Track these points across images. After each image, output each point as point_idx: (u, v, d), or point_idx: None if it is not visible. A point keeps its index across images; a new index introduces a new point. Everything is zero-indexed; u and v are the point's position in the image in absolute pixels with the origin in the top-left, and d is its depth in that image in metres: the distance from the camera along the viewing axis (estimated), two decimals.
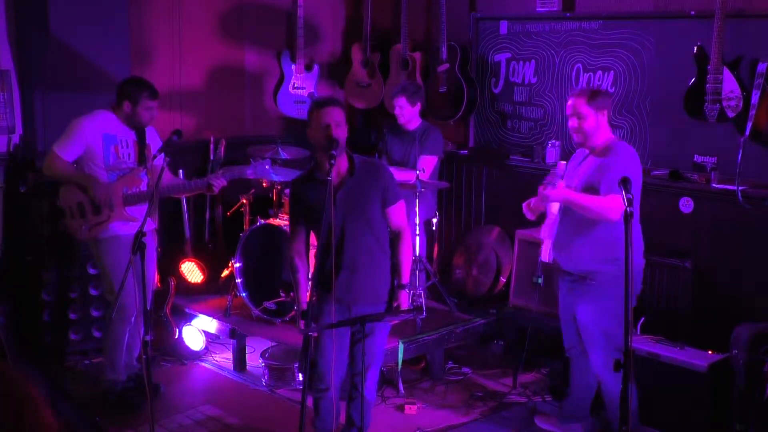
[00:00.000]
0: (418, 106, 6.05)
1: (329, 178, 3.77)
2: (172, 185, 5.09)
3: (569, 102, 4.40)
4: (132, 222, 4.87)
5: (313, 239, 4.42)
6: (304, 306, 4.14)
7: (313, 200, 4.00)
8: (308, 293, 4.10)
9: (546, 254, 4.87)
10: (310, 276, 4.26)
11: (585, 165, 4.42)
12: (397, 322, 4.60)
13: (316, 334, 3.95)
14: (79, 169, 4.88)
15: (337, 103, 4.05)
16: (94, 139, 4.84)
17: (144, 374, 4.14)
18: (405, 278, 4.23)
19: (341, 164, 4.05)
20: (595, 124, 4.31)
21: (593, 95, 4.34)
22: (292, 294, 4.39)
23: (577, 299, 4.43)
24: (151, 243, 5.09)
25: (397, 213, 4.17)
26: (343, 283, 4.04)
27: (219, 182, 4.95)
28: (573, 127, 4.37)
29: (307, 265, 4.27)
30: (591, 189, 4.26)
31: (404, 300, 4.23)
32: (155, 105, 4.98)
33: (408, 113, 6.01)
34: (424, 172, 5.69)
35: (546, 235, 4.75)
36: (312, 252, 4.53)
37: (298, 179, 4.23)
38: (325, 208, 3.76)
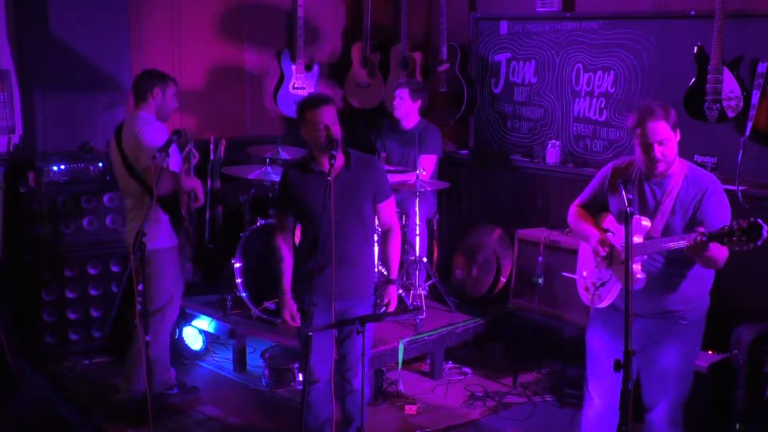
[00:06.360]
0: (419, 104, 6.05)
1: (330, 178, 3.80)
2: None
3: (652, 127, 3.48)
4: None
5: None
6: (288, 294, 4.15)
7: (307, 191, 4.05)
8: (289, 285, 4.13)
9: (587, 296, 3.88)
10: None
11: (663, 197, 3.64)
12: (395, 320, 4.59)
13: (311, 334, 3.94)
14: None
15: (330, 102, 4.06)
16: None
17: (144, 374, 4.14)
18: (393, 274, 4.30)
19: (338, 158, 4.07)
20: (676, 147, 3.57)
21: (669, 113, 3.54)
22: None
23: (661, 341, 3.75)
24: (171, 258, 4.93)
25: (387, 209, 4.24)
26: (330, 277, 4.02)
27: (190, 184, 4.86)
28: (659, 156, 3.52)
29: (292, 255, 4.23)
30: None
31: (393, 295, 4.26)
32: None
33: (407, 107, 6.00)
34: (424, 171, 5.69)
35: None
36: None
37: (291, 166, 4.21)
38: (325, 206, 3.76)
